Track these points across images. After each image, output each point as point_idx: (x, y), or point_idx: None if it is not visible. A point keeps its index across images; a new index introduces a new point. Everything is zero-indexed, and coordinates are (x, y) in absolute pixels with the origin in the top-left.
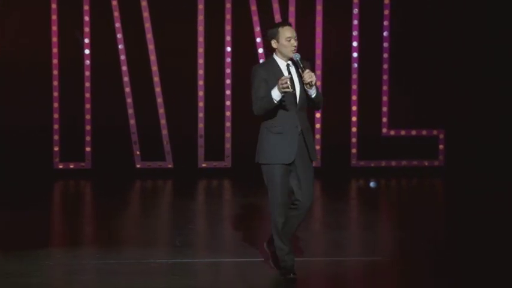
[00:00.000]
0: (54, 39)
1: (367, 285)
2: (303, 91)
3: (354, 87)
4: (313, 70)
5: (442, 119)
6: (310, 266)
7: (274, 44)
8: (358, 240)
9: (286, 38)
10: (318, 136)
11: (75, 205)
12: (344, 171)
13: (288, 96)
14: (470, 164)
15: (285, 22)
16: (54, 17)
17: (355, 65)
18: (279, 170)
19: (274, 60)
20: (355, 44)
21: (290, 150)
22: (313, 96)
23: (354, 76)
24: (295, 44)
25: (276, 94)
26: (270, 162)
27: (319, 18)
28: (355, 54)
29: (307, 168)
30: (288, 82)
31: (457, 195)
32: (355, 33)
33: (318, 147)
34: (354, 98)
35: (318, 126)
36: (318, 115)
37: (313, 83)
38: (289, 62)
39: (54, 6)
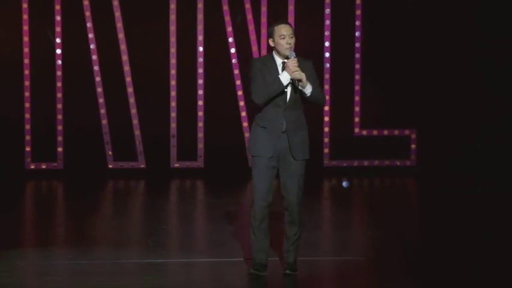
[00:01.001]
0: (26, 38)
1: (340, 285)
2: (294, 90)
3: (326, 87)
4: (314, 71)
5: (413, 119)
6: (282, 265)
7: (271, 42)
8: (331, 240)
9: (281, 35)
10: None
11: (47, 206)
12: (317, 170)
13: (279, 94)
14: (442, 164)
15: (281, 20)
16: (25, 17)
17: (327, 65)
18: (260, 163)
19: (272, 57)
20: (327, 44)
21: (270, 145)
22: (308, 94)
23: (326, 76)
24: (290, 41)
25: (284, 78)
26: (253, 154)
27: (291, 19)
28: (327, 54)
29: (289, 165)
30: (295, 65)
31: (429, 195)
32: (327, 33)
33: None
34: (326, 97)
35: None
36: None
37: (297, 75)
38: (286, 60)
39: (25, 5)
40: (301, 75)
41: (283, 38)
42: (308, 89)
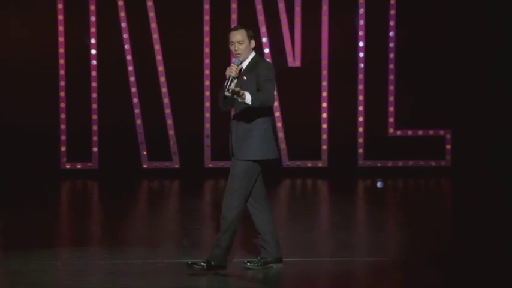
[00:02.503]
0: (61, 39)
1: (373, 285)
2: (243, 89)
3: (360, 87)
4: (266, 74)
5: (449, 119)
6: (318, 266)
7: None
8: (365, 240)
9: (230, 42)
10: (324, 136)
11: (81, 205)
12: (351, 171)
13: (230, 98)
14: (477, 164)
15: (234, 27)
16: (60, 17)
17: (362, 65)
18: (232, 162)
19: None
20: (361, 44)
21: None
22: (249, 103)
23: (360, 76)
24: (237, 48)
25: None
26: (267, 157)
27: (325, 18)
28: (361, 54)
29: (232, 165)
30: (233, 70)
31: (464, 195)
32: (361, 33)
33: (324, 147)
34: (361, 98)
35: (324, 126)
36: (324, 115)
37: (231, 88)
38: (242, 66)
39: (60, 6)
40: (235, 74)
41: (232, 45)
42: (247, 99)
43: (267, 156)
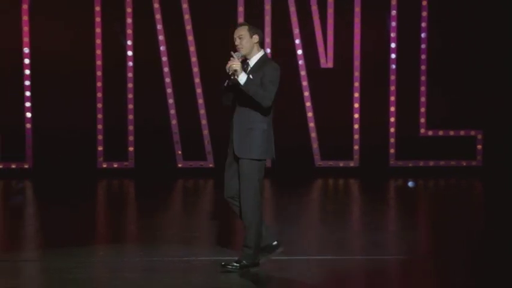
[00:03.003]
0: (98, 41)
1: (404, 284)
2: (242, 90)
3: (392, 88)
4: (271, 76)
5: (480, 119)
6: (350, 264)
7: None
8: (396, 239)
9: (234, 38)
10: (356, 136)
11: (118, 204)
12: (382, 171)
13: (229, 94)
14: (508, 164)
15: (238, 23)
16: (97, 19)
17: (393, 66)
18: (228, 159)
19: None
20: (393, 45)
21: (231, 144)
22: (242, 83)
23: (392, 77)
24: (238, 42)
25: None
26: (268, 156)
27: (357, 20)
28: (393, 56)
29: (231, 162)
30: (235, 62)
31: (494, 195)
32: (393, 34)
33: (356, 147)
34: (392, 98)
35: (356, 126)
36: (356, 116)
37: (231, 68)
38: (247, 61)
39: (97, 8)
40: (236, 66)
41: (235, 40)
42: (242, 79)
43: (264, 156)
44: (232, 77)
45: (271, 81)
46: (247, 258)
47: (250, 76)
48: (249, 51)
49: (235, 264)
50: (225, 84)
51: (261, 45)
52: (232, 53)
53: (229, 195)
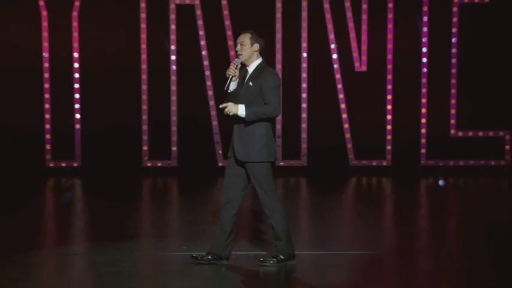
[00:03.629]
0: (143, 46)
1: (432, 280)
2: (246, 94)
3: (424, 90)
4: (267, 86)
5: (508, 120)
6: (380, 259)
7: None
8: (426, 236)
9: (236, 44)
10: (389, 137)
11: (162, 201)
12: (414, 170)
13: (231, 97)
14: None
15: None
16: (143, 26)
17: (425, 69)
18: (229, 163)
19: None
20: (424, 49)
21: (231, 148)
22: (245, 117)
23: (424, 80)
24: (238, 48)
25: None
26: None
27: (390, 26)
28: (424, 60)
29: (232, 164)
30: (231, 69)
31: None
32: (424, 39)
33: (389, 147)
34: (424, 100)
35: (389, 127)
36: (389, 117)
37: (228, 74)
38: (246, 68)
39: (143, 15)
40: (233, 73)
41: (236, 46)
42: (242, 113)
43: (266, 159)
44: (228, 83)
45: (272, 87)
46: (281, 251)
47: (250, 83)
48: (248, 58)
49: (272, 259)
50: (225, 88)
51: (261, 53)
52: (234, 61)
53: (227, 200)
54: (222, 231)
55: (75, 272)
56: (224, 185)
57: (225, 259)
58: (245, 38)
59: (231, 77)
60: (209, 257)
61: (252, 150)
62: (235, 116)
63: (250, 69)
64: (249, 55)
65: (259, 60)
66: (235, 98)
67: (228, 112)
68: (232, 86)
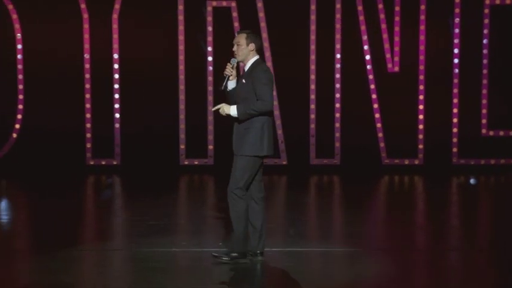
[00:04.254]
0: (181, 47)
1: (464, 276)
2: (240, 91)
3: (455, 90)
4: (259, 80)
5: None
6: (413, 256)
7: None
8: (458, 233)
9: (233, 44)
10: (421, 136)
11: (199, 197)
12: (445, 168)
13: (232, 95)
14: None
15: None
16: (181, 27)
17: (456, 70)
18: (234, 159)
19: None
20: (456, 50)
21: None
22: (237, 116)
23: (455, 80)
24: (235, 49)
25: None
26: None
27: (422, 27)
28: (456, 60)
29: (236, 159)
30: (228, 69)
31: None
32: (456, 40)
33: (421, 146)
34: (455, 100)
35: (421, 126)
36: (421, 117)
37: (225, 73)
38: (244, 66)
39: (181, 17)
40: (229, 72)
41: (233, 46)
42: (234, 113)
43: (257, 153)
44: (225, 82)
45: (263, 83)
46: (236, 247)
47: (243, 80)
48: (244, 58)
49: (226, 256)
50: (222, 87)
51: (258, 51)
52: (232, 59)
53: (247, 197)
54: (252, 227)
55: (113, 267)
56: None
57: (259, 255)
58: (241, 39)
59: (227, 76)
60: (235, 254)
61: (244, 143)
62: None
63: (246, 67)
64: (245, 55)
65: (255, 58)
66: (234, 96)
67: (221, 112)
68: (231, 85)
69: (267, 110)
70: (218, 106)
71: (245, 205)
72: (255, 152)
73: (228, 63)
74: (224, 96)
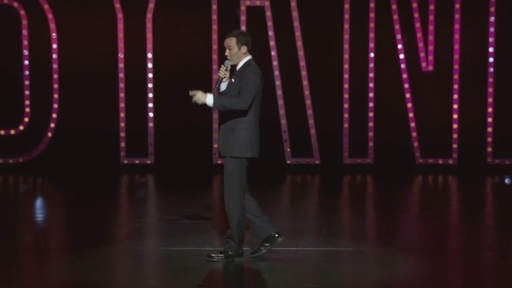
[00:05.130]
0: (214, 46)
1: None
2: (229, 90)
3: (490, 90)
4: (246, 80)
5: None
6: (446, 257)
7: None
8: (492, 233)
9: (224, 47)
10: (455, 135)
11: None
12: (480, 168)
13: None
14: None
15: (227, 33)
16: (214, 27)
17: (491, 69)
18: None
19: None
20: (491, 49)
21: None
22: (212, 105)
23: (490, 80)
24: (227, 52)
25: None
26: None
27: (457, 26)
28: (491, 59)
29: (225, 162)
30: (221, 71)
31: None
32: (491, 39)
33: (455, 145)
34: (490, 100)
35: (455, 126)
36: (455, 116)
37: (219, 75)
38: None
39: (214, 17)
40: (223, 75)
41: (226, 50)
42: (209, 102)
43: (245, 154)
44: (218, 84)
45: (248, 83)
46: (231, 249)
47: (233, 80)
48: (238, 61)
49: (220, 254)
50: (215, 88)
51: (250, 51)
52: (226, 62)
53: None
54: (254, 217)
55: (146, 266)
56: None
57: (277, 235)
58: (231, 43)
59: (221, 78)
60: (262, 248)
61: (230, 145)
62: (221, 114)
63: (238, 67)
64: (238, 58)
65: (247, 59)
66: (225, 96)
67: (196, 100)
68: (223, 86)
69: (241, 108)
70: (194, 92)
71: (243, 208)
72: (241, 153)
73: (222, 65)
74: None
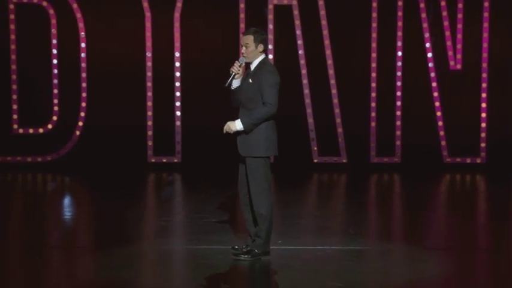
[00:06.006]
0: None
1: None
2: (246, 91)
3: None
4: (266, 82)
5: None
6: (474, 256)
7: None
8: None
9: (241, 44)
10: (483, 134)
11: None
12: (508, 167)
13: (235, 94)
14: None
15: (245, 30)
16: (242, 26)
17: None
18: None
19: None
20: None
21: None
22: (244, 129)
23: None
24: (243, 50)
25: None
26: (274, 153)
27: (485, 25)
28: None
29: (247, 163)
30: (235, 67)
31: None
32: None
33: (483, 144)
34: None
35: (483, 125)
36: (483, 115)
37: (232, 71)
38: (250, 65)
39: (242, 16)
40: (236, 71)
41: (242, 46)
42: (239, 127)
43: (267, 153)
44: (230, 80)
45: (270, 85)
46: (258, 247)
47: (250, 80)
48: (253, 59)
49: (247, 254)
50: (226, 84)
51: (265, 51)
52: (239, 59)
53: (243, 192)
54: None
55: (173, 264)
56: (239, 181)
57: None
58: (249, 40)
59: (233, 74)
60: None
61: (251, 145)
62: (239, 112)
63: (253, 66)
64: (254, 56)
65: (261, 57)
66: (237, 94)
67: (228, 131)
68: (236, 83)
69: (271, 115)
70: (225, 128)
71: (271, 204)
72: (261, 152)
73: (236, 61)
74: (226, 93)
